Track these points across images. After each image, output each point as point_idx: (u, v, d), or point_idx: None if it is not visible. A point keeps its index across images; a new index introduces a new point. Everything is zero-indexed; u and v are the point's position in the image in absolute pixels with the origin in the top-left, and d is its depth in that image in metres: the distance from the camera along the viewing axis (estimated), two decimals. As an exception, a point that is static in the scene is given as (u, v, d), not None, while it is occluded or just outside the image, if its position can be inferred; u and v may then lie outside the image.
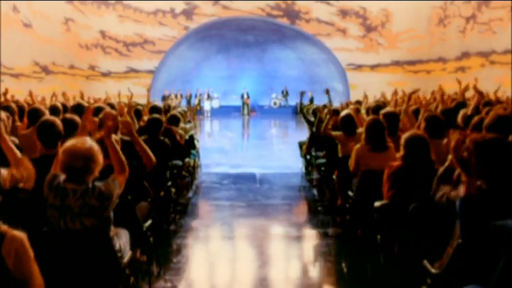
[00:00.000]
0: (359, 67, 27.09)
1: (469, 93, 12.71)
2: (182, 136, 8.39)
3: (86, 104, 9.18)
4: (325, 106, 10.84)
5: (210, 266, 5.81)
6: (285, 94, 29.94)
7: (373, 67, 26.90)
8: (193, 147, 9.81)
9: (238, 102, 29.85)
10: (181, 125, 9.02)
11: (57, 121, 4.80)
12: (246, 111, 29.29)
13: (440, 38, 24.26)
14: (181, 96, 29.03)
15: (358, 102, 11.74)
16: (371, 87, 24.59)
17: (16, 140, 6.21)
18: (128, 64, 27.19)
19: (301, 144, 10.66)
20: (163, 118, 9.26)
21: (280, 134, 22.32)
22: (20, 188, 3.92)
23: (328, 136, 7.33)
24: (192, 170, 9.71)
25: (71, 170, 3.53)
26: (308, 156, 10.04)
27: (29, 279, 2.58)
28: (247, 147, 16.08)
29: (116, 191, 3.65)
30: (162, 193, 6.50)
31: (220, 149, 14.94)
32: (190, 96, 29.56)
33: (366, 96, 13.09)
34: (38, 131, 4.74)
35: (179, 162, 7.98)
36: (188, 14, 26.93)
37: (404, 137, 4.74)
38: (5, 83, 19.64)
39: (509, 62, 19.19)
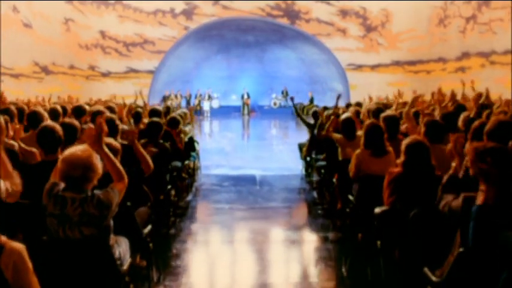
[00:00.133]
0: (359, 67, 27.05)
1: (469, 94, 12.70)
2: (182, 139, 8.38)
3: (87, 107, 9.19)
4: (325, 108, 10.81)
5: (209, 270, 5.80)
6: (285, 94, 29.90)
7: (374, 67, 26.86)
8: (193, 149, 9.80)
9: (238, 103, 29.81)
10: (181, 127, 9.00)
11: (57, 127, 4.79)
12: (246, 112, 29.25)
13: (441, 38, 24.22)
14: (180, 96, 29.02)
15: (358, 104, 11.71)
16: (371, 87, 24.60)
17: (15, 144, 6.25)
18: (127, 64, 27.16)
19: (301, 147, 10.65)
20: (163, 120, 9.30)
21: (280, 134, 22.30)
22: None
23: (329, 138, 7.33)
24: (191, 172, 9.71)
25: (70, 178, 3.52)
26: (308, 158, 10.03)
27: (28, 292, 2.58)
28: (247, 148, 16.05)
29: (115, 199, 3.63)
30: (162, 197, 6.50)
31: (220, 150, 14.93)
32: (190, 96, 29.54)
33: (370, 98, 13.06)
34: (37, 137, 4.73)
35: (179, 164, 7.98)
36: (188, 14, 26.89)
37: (404, 143, 4.72)
38: (5, 83, 19.70)
39: (509, 62, 19.18)
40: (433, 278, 3.65)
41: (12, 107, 7.60)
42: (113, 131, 5.62)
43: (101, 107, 7.81)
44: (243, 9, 26.58)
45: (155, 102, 26.42)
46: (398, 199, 4.61)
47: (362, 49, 27.04)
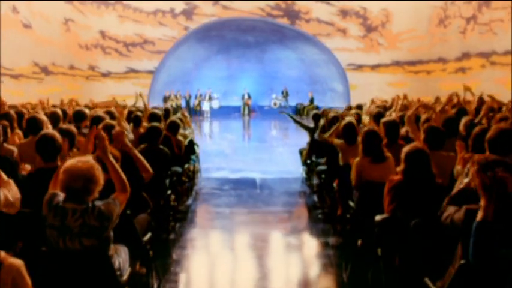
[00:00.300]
0: (359, 67, 27.04)
1: (469, 96, 12.70)
2: (182, 142, 8.35)
3: (87, 110, 9.17)
4: (325, 111, 10.79)
5: (209, 277, 5.78)
6: (285, 94, 29.89)
7: (374, 67, 26.84)
8: (193, 152, 9.76)
9: (238, 103, 29.79)
10: (181, 130, 8.98)
11: (57, 135, 4.78)
12: (246, 112, 29.22)
13: (441, 38, 24.20)
14: (180, 96, 29.00)
15: (359, 107, 11.72)
16: (371, 87, 24.62)
17: (15, 149, 6.24)
18: (127, 64, 27.14)
19: (301, 151, 10.61)
20: (163, 124, 9.28)
21: (280, 135, 22.27)
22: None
23: (329, 143, 7.33)
24: (191, 175, 9.68)
25: (71, 190, 3.51)
26: (308, 161, 10.01)
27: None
28: (247, 151, 16.00)
29: (116, 210, 3.62)
30: (162, 202, 6.48)
31: (220, 152, 14.91)
32: (190, 96, 29.51)
33: (372, 101, 13.04)
34: (37, 145, 4.72)
35: (179, 169, 7.95)
36: (188, 14, 26.87)
37: (404, 150, 4.70)
38: (5, 84, 19.68)
39: (509, 63, 19.18)
40: (434, 290, 3.64)
41: (12, 112, 7.59)
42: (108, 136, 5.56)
43: (100, 112, 7.77)
44: (243, 9, 26.57)
45: (155, 103, 26.47)
46: (399, 207, 4.59)
47: (362, 49, 27.03)
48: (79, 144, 5.64)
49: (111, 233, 3.70)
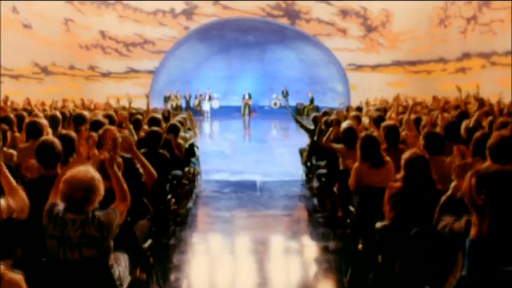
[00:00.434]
0: (359, 67, 27.03)
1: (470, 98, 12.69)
2: (182, 146, 8.34)
3: (86, 114, 9.16)
4: (325, 113, 10.76)
5: (210, 283, 5.78)
6: (285, 94, 29.86)
7: (374, 67, 26.83)
8: (193, 155, 9.75)
9: (239, 103, 29.75)
10: (181, 133, 8.97)
11: (56, 142, 4.76)
12: (246, 112, 29.19)
13: (441, 38, 24.18)
14: (180, 96, 28.99)
15: (359, 109, 11.70)
16: (372, 87, 24.60)
17: (15, 153, 6.23)
18: (127, 64, 27.15)
19: (301, 151, 10.61)
20: (164, 125, 9.26)
21: (281, 136, 22.28)
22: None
23: (329, 149, 7.32)
24: (192, 178, 9.67)
25: (71, 200, 3.50)
26: (308, 163, 10.00)
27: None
28: (247, 152, 15.96)
29: (116, 220, 3.62)
30: (162, 206, 6.47)
31: (220, 153, 14.90)
32: (190, 96, 29.49)
33: (367, 103, 13.03)
34: (36, 152, 4.70)
35: (179, 172, 7.94)
36: (188, 14, 26.87)
37: (404, 157, 4.70)
38: (5, 84, 19.70)
39: (509, 63, 19.15)
40: (435, 299, 3.63)
41: (12, 115, 7.59)
42: (113, 144, 5.54)
43: (100, 116, 7.75)
44: (243, 9, 26.56)
45: (155, 103, 26.43)
46: (399, 214, 4.58)
47: (362, 49, 27.03)
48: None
49: (111, 243, 3.70)
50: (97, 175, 3.59)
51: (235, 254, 6.61)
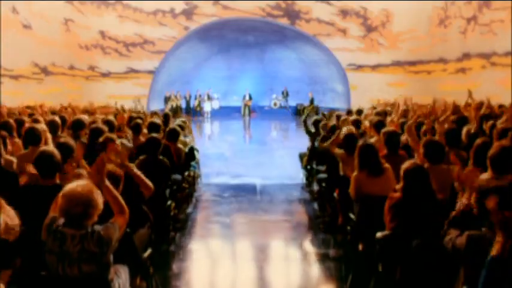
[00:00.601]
0: (360, 67, 26.99)
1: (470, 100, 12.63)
2: (182, 150, 8.32)
3: (86, 118, 9.14)
4: (323, 117, 10.76)
5: (210, 291, 5.77)
6: (285, 95, 29.85)
7: (374, 67, 26.79)
8: (193, 158, 9.71)
9: (239, 103, 29.73)
10: (181, 138, 8.95)
11: (55, 152, 4.75)
12: (246, 112, 29.15)
13: (441, 38, 24.12)
14: (180, 97, 28.97)
15: (359, 112, 11.68)
16: (372, 87, 24.60)
17: (14, 160, 6.22)
18: (127, 64, 27.11)
19: (301, 156, 10.58)
20: (162, 131, 9.24)
21: (281, 137, 22.27)
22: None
23: (330, 153, 7.30)
24: (192, 181, 9.64)
25: (70, 215, 3.48)
26: (308, 167, 9.98)
27: None
28: (247, 154, 15.88)
29: (116, 235, 3.60)
30: (162, 213, 6.45)
31: (220, 156, 14.88)
32: (190, 97, 29.48)
33: (372, 108, 13.01)
34: (35, 162, 4.69)
35: (178, 177, 7.91)
36: (188, 14, 26.83)
37: (403, 167, 4.69)
38: (5, 85, 19.68)
39: (509, 64, 19.11)
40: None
41: (11, 121, 7.57)
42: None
43: (99, 123, 7.73)
44: (243, 9, 26.51)
45: (155, 103, 26.46)
46: (400, 224, 4.58)
47: (362, 49, 26.98)
48: (77, 154, 5.59)
49: (111, 257, 3.68)
50: (96, 189, 3.57)
51: (235, 261, 6.59)
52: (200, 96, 29.53)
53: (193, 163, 9.57)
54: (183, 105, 29.20)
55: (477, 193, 3.26)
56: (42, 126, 7.30)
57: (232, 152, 15.94)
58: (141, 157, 6.66)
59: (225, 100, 30.61)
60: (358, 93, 25.85)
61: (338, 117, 10.34)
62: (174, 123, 9.80)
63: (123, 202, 3.79)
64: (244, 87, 29.43)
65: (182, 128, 9.60)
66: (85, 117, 8.89)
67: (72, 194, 3.46)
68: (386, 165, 5.85)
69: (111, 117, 8.77)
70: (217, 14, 26.78)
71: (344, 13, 26.75)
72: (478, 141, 5.47)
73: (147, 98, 26.32)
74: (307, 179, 10.34)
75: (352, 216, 6.03)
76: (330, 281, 5.79)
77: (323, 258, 6.44)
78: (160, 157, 6.79)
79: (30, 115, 10.41)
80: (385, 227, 4.72)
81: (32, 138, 6.37)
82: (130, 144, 7.61)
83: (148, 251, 4.97)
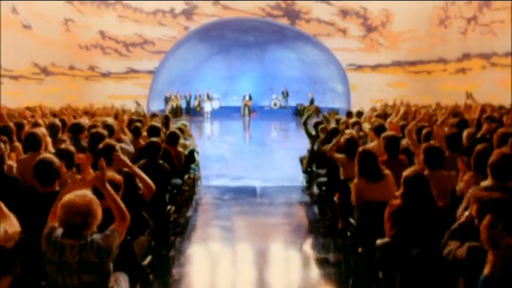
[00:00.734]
0: (360, 67, 26.98)
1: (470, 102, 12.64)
2: (182, 154, 8.31)
3: (85, 121, 9.13)
4: (323, 119, 10.74)
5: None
6: (285, 95, 29.83)
7: (374, 67, 26.79)
8: (193, 160, 9.69)
9: (239, 103, 29.71)
10: (181, 141, 8.94)
11: (54, 159, 4.75)
12: (246, 112, 29.13)
13: (441, 38, 24.14)
14: (180, 97, 28.96)
15: (359, 115, 11.67)
16: (372, 88, 24.59)
17: (14, 165, 6.21)
18: (127, 64, 27.10)
19: (301, 160, 10.56)
20: (164, 129, 9.24)
21: (281, 138, 22.25)
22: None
23: (331, 158, 7.31)
24: (192, 184, 9.63)
25: (69, 225, 3.47)
26: (308, 169, 9.97)
27: None
28: (247, 155, 15.83)
29: (115, 243, 3.59)
30: (162, 218, 6.45)
31: (220, 157, 14.88)
32: (190, 97, 29.46)
33: (372, 110, 13.01)
34: (34, 170, 4.68)
35: (178, 181, 7.90)
36: (188, 14, 26.81)
37: (404, 175, 4.68)
38: (5, 85, 19.67)
39: (509, 64, 19.13)
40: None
41: (11, 125, 7.55)
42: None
43: (100, 127, 7.71)
44: (243, 9, 26.50)
45: (155, 103, 26.43)
46: (400, 232, 4.57)
47: (362, 49, 26.98)
48: (78, 160, 5.58)
49: (111, 265, 3.67)
50: (95, 199, 3.56)
51: (234, 265, 6.57)
52: (200, 96, 29.52)
53: (193, 165, 9.56)
54: (183, 106, 29.19)
55: (478, 205, 3.26)
56: (42, 130, 7.31)
57: (232, 154, 15.93)
58: (141, 161, 6.65)
59: (225, 100, 30.60)
60: (358, 94, 25.85)
61: (337, 121, 10.34)
62: (174, 124, 9.78)
63: (124, 207, 3.77)
64: (244, 87, 29.42)
65: (182, 131, 9.58)
66: (84, 121, 8.88)
67: (71, 204, 3.45)
68: (387, 171, 5.85)
69: (110, 121, 8.75)
70: (217, 14, 26.77)
71: (344, 13, 26.74)
72: (479, 147, 5.46)
73: (147, 98, 26.29)
74: (307, 181, 10.32)
75: (352, 221, 6.03)
76: (330, 286, 5.78)
77: (323, 262, 6.44)
78: (161, 161, 6.78)
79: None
80: (385, 235, 4.71)
81: (32, 143, 6.36)
82: (131, 148, 7.60)
83: (148, 258, 4.96)
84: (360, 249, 5.43)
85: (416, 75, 25.63)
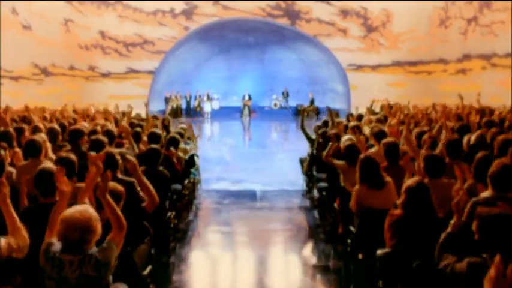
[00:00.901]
0: (360, 68, 26.97)
1: (469, 101, 12.66)
2: (182, 159, 8.30)
3: (85, 125, 9.12)
4: (323, 123, 10.73)
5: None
6: (285, 95, 29.81)
7: (374, 68, 26.77)
8: (193, 165, 9.67)
9: (239, 103, 29.67)
10: (181, 145, 8.93)
11: (54, 168, 4.73)
12: (246, 113, 29.09)
13: (442, 39, 24.16)
14: (180, 97, 28.94)
15: (359, 118, 11.64)
16: (372, 88, 24.56)
17: (14, 171, 6.21)
18: (127, 65, 27.08)
19: (302, 161, 10.56)
20: (164, 134, 9.22)
21: (281, 140, 22.21)
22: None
23: (330, 164, 7.29)
24: (192, 188, 9.61)
25: (68, 241, 3.46)
26: (308, 173, 9.96)
27: None
28: (247, 158, 15.76)
29: (114, 255, 3.58)
30: (162, 225, 6.45)
31: (220, 160, 14.88)
32: (190, 97, 29.45)
33: (369, 111, 12.98)
34: (35, 181, 4.68)
35: (178, 186, 7.90)
36: (188, 14, 26.80)
37: (406, 184, 4.67)
38: (5, 86, 19.69)
39: (510, 65, 19.17)
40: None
41: (11, 130, 7.54)
42: (113, 167, 5.51)
43: (100, 134, 7.70)
44: (243, 9, 26.49)
45: (155, 103, 26.39)
46: (400, 242, 4.56)
47: (362, 49, 26.97)
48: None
49: (110, 278, 3.67)
50: (95, 214, 3.55)
51: (234, 272, 6.58)
52: (200, 96, 29.49)
53: (193, 170, 9.54)
54: (183, 106, 29.18)
55: (478, 221, 3.26)
56: (42, 136, 7.30)
57: (232, 156, 15.92)
58: (141, 168, 6.64)
59: (225, 100, 30.57)
60: (358, 94, 25.81)
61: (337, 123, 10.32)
62: (174, 125, 9.75)
63: (122, 217, 3.76)
64: (245, 87, 29.40)
65: (182, 135, 9.57)
66: (84, 125, 8.87)
67: (70, 219, 3.44)
68: (388, 178, 5.84)
69: (110, 126, 8.74)
70: (218, 14, 26.76)
71: (344, 13, 26.73)
72: (479, 154, 5.44)
73: (147, 99, 26.27)
74: (307, 185, 10.31)
75: (352, 228, 6.02)
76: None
77: (323, 269, 6.44)
78: (161, 168, 6.78)
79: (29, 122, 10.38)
80: (386, 245, 4.71)
81: (32, 150, 6.37)
82: (133, 158, 7.58)
83: (149, 267, 4.96)
84: (360, 256, 5.45)
85: (417, 75, 25.64)
